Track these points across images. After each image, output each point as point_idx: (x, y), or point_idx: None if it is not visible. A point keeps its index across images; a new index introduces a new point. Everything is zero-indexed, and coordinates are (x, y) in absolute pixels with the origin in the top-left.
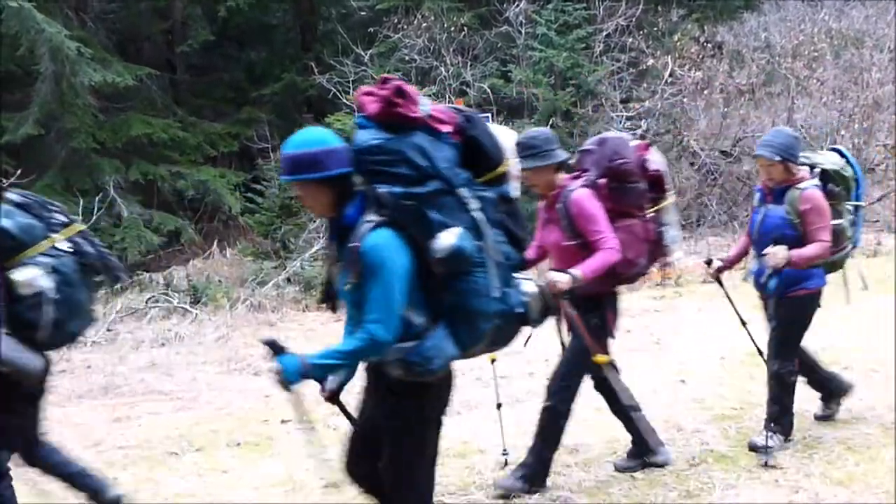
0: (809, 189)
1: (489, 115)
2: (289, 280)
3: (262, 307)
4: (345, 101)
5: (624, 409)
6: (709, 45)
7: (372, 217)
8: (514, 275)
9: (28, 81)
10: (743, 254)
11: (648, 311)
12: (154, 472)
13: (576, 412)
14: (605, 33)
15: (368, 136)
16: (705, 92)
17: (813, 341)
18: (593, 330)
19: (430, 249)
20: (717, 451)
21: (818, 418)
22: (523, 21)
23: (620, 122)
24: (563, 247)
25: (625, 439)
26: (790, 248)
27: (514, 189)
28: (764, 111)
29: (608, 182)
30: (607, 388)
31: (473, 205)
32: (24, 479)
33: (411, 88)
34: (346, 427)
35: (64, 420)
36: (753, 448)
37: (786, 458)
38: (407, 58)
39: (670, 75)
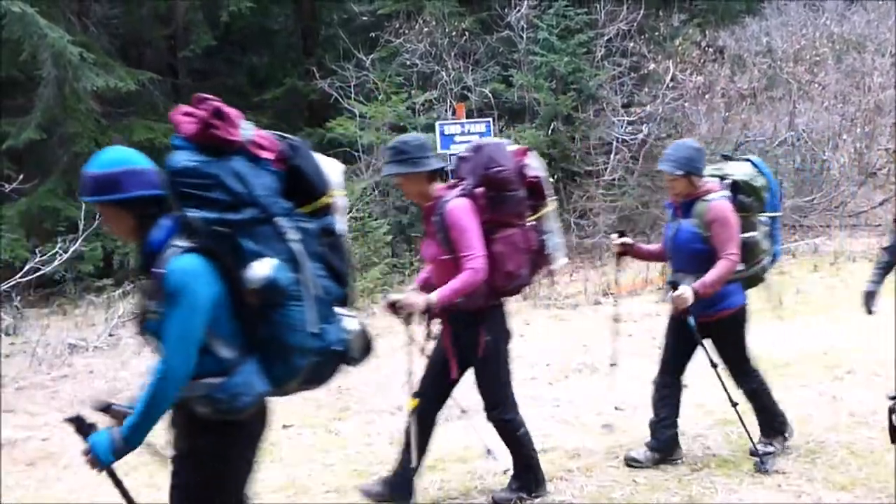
0: (716, 201)
1: (490, 119)
2: None
3: None
4: (346, 105)
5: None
6: (710, 49)
7: (180, 243)
8: (336, 310)
9: (30, 86)
10: (654, 256)
11: (650, 315)
12: (155, 477)
13: (578, 417)
14: (606, 38)
15: (183, 158)
16: (707, 96)
17: (817, 344)
18: (486, 347)
19: (243, 279)
20: (719, 456)
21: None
22: (525, 26)
23: (622, 127)
24: (441, 261)
25: (626, 444)
26: (702, 262)
27: (339, 222)
28: (765, 115)
29: (485, 191)
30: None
31: (292, 235)
32: None
33: (232, 111)
34: (348, 432)
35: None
36: (754, 454)
37: (788, 463)
38: (408, 62)
39: (672, 80)
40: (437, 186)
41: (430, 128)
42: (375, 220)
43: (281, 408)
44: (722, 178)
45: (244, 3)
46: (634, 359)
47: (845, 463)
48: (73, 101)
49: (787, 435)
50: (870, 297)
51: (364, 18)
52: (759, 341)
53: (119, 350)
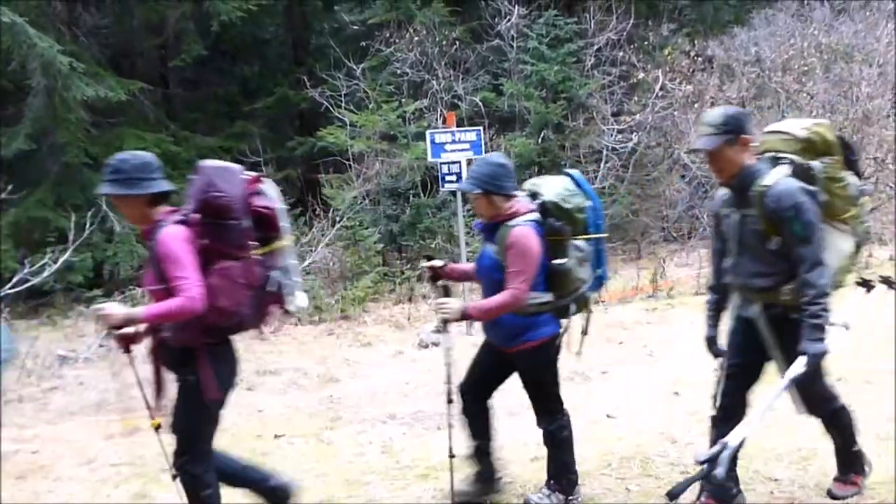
0: (519, 226)
1: (481, 128)
2: None
3: None
4: (337, 114)
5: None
6: (699, 58)
7: None
8: None
9: (20, 96)
10: (467, 276)
11: (641, 322)
12: (147, 488)
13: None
14: (595, 47)
15: None
16: (696, 105)
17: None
18: (189, 387)
19: None
20: None
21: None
22: (515, 35)
23: (612, 135)
24: (155, 291)
25: (619, 452)
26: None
27: None
28: (754, 124)
29: (202, 217)
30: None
31: None
32: None
33: None
34: (340, 442)
35: (56, 437)
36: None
37: (780, 470)
38: (399, 71)
39: (661, 89)
40: (161, 210)
41: (420, 136)
42: (366, 228)
43: (272, 418)
44: (534, 196)
45: (235, 13)
46: (626, 366)
47: (836, 470)
48: (63, 111)
49: (571, 497)
50: (711, 343)
51: (355, 28)
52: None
53: (109, 361)
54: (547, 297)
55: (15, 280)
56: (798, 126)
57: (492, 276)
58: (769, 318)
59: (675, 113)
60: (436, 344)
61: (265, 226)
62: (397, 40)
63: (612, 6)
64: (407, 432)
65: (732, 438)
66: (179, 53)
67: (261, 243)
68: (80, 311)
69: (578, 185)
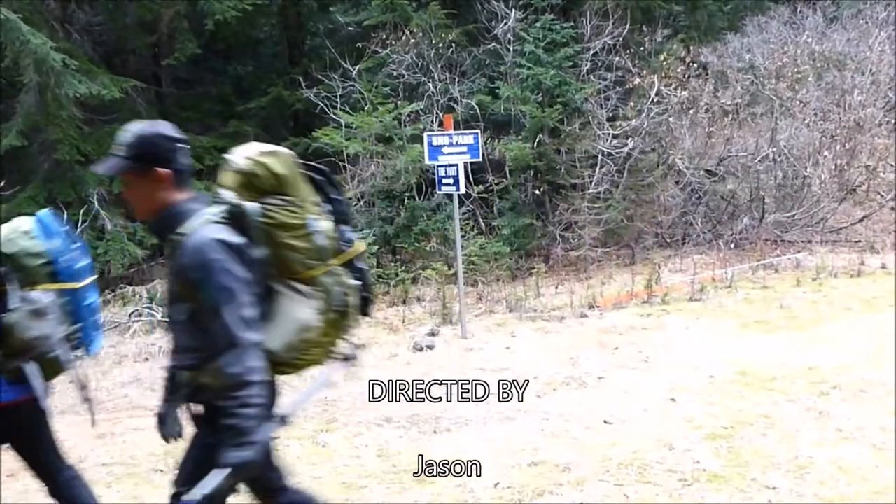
0: None
1: (478, 131)
2: None
3: None
4: (332, 115)
5: None
6: (694, 65)
7: None
8: None
9: (12, 92)
10: None
11: (636, 328)
12: (138, 489)
13: (567, 430)
14: (592, 52)
15: None
16: (691, 111)
17: (802, 359)
18: None
19: None
20: (709, 471)
21: None
22: (511, 38)
23: (607, 140)
24: None
25: (616, 458)
26: None
27: None
28: (748, 131)
29: None
30: None
31: None
32: None
33: None
34: (335, 444)
35: None
36: None
37: (778, 479)
38: (395, 73)
39: (656, 94)
40: None
41: (416, 138)
42: (361, 230)
43: None
44: None
45: (230, 13)
46: (622, 371)
47: (834, 479)
48: (55, 108)
49: None
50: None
51: (350, 29)
52: (744, 355)
53: (99, 360)
54: None
55: None
56: (241, 154)
57: None
58: (196, 409)
59: (671, 119)
60: (430, 347)
61: None
62: (393, 42)
63: (609, 11)
64: (403, 435)
65: None
66: (173, 52)
67: None
68: None
69: (43, 227)
